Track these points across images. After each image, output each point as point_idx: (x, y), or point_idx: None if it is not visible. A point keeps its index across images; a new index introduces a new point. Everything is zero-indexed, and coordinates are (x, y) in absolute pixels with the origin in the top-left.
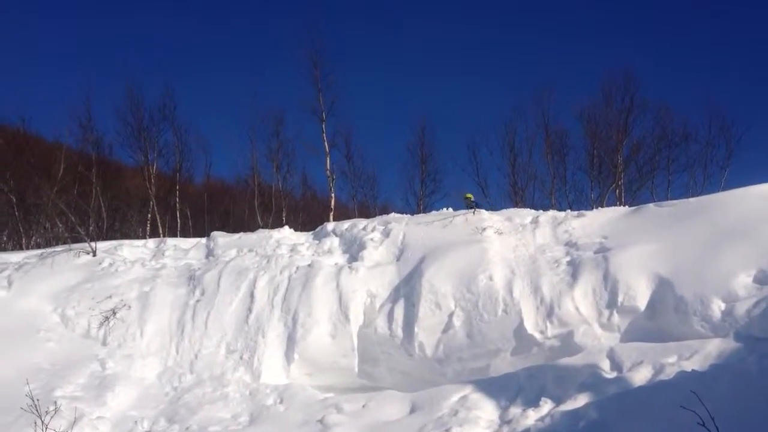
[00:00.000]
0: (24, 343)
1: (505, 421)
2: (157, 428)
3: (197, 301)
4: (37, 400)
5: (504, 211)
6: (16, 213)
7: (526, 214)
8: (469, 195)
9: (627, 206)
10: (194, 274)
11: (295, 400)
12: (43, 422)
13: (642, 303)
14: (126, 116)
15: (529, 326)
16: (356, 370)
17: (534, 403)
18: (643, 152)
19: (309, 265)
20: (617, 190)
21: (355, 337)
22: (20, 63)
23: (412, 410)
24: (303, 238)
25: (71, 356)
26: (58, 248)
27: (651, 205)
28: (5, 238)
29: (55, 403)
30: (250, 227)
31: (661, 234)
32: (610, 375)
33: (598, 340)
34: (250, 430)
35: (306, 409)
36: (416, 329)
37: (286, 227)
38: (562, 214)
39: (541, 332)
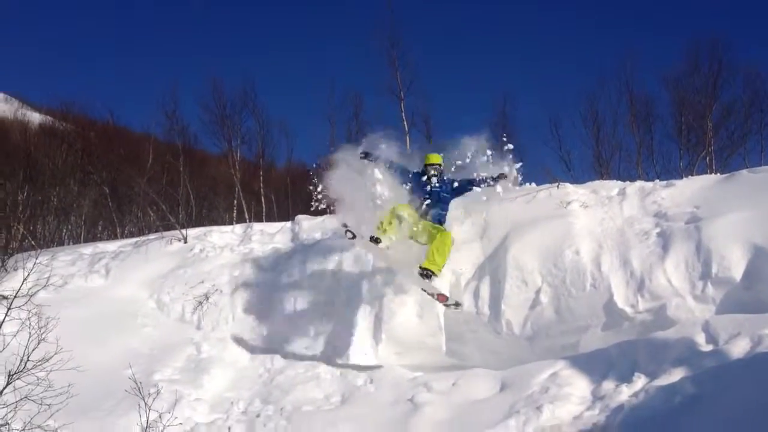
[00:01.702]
0: (123, 330)
1: (597, 397)
2: (253, 409)
3: (285, 284)
4: (140, 382)
5: (589, 183)
6: (110, 204)
7: (612, 186)
8: (433, 157)
9: (718, 174)
10: (281, 258)
11: (384, 380)
12: (146, 404)
13: (737, 273)
14: (209, 105)
15: (620, 301)
16: (444, 348)
17: (627, 378)
18: (734, 117)
19: None
20: (707, 158)
21: (442, 316)
22: (106, 57)
23: (502, 388)
24: None
25: (168, 341)
26: (151, 236)
27: (744, 171)
28: (100, 229)
29: (156, 386)
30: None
31: (755, 201)
32: (706, 348)
33: (691, 312)
34: (343, 409)
35: (396, 389)
36: (503, 307)
37: None
38: (650, 184)
39: (632, 306)
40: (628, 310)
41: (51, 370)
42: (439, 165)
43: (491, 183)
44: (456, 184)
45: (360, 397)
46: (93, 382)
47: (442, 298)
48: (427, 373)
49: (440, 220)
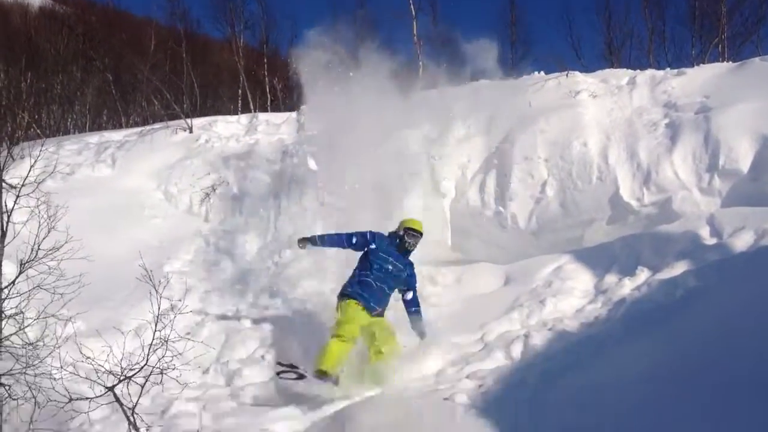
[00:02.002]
0: (132, 221)
1: (600, 290)
2: (261, 302)
3: (291, 176)
4: (151, 270)
5: (599, 72)
6: (114, 92)
7: (622, 75)
8: (416, 224)
9: (730, 62)
10: (287, 149)
11: None
12: (157, 292)
13: (744, 165)
14: None
15: (625, 194)
16: (449, 243)
17: (630, 272)
18: (749, 2)
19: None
20: (720, 46)
21: (448, 210)
22: None
23: (507, 282)
24: None
25: (176, 233)
26: (156, 126)
27: (756, 59)
28: (105, 118)
29: (166, 277)
30: None
31: (766, 90)
32: (710, 242)
33: (697, 206)
34: None
35: None
36: (508, 201)
37: None
38: (660, 73)
39: (638, 200)
40: (634, 203)
41: (62, 259)
42: (420, 235)
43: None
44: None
45: None
46: (104, 273)
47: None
48: (432, 266)
49: (384, 303)
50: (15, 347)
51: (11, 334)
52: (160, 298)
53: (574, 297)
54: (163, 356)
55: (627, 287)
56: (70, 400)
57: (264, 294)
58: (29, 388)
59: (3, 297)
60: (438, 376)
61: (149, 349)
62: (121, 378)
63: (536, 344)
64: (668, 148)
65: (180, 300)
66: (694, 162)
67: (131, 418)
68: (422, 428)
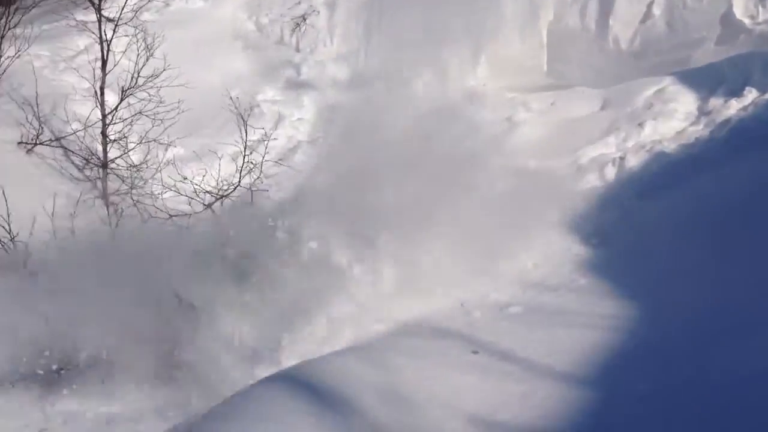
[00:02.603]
0: (225, 52)
1: (703, 112)
2: (350, 128)
3: (382, 6)
4: (241, 99)
5: None
6: None
7: None
8: None
9: None
10: None
11: (481, 101)
12: (245, 121)
13: None
14: None
15: (738, 11)
16: (545, 68)
17: (737, 93)
18: None
19: None
20: None
21: (545, 33)
22: None
23: (603, 106)
24: None
25: (268, 63)
26: None
27: None
28: None
29: (259, 106)
30: None
31: None
32: None
33: None
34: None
35: (493, 109)
36: (611, 21)
37: None
38: None
39: (751, 17)
40: (747, 21)
41: (161, 87)
42: None
43: None
44: None
45: (459, 118)
46: (200, 101)
47: None
48: (526, 93)
49: None
50: (120, 169)
51: (116, 158)
52: (247, 125)
53: (675, 119)
54: (256, 179)
55: (733, 108)
56: (170, 216)
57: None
58: (134, 206)
59: (107, 123)
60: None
61: (241, 170)
62: (217, 197)
63: (632, 166)
64: None
65: (272, 129)
66: None
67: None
68: None
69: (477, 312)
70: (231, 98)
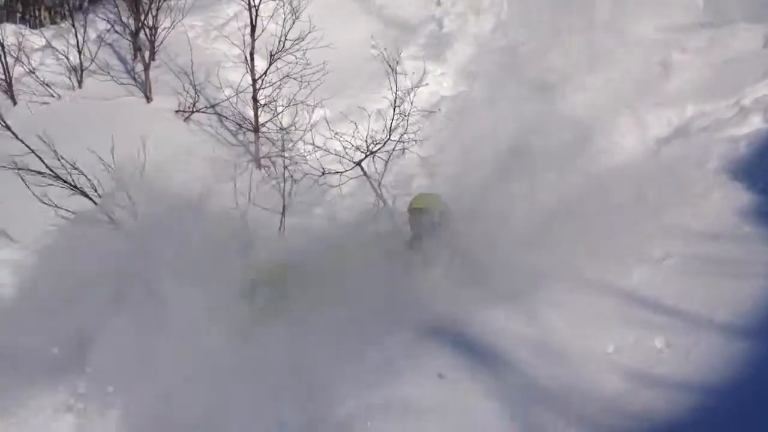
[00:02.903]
0: (366, 11)
1: None
2: (494, 82)
3: None
4: (386, 59)
5: None
6: None
7: None
8: None
9: None
10: None
11: (633, 43)
12: (394, 71)
13: None
14: None
15: None
16: (701, 4)
17: None
18: None
19: None
20: None
21: None
22: None
23: (766, 43)
24: None
25: (409, 19)
26: None
27: None
28: None
29: (401, 62)
30: None
31: None
32: None
33: None
34: (590, 76)
35: (646, 50)
36: None
37: None
38: None
39: None
40: None
41: (307, 49)
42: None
43: None
44: None
45: (607, 62)
46: (344, 60)
47: None
48: (681, 32)
49: None
50: (270, 133)
51: (267, 121)
52: (396, 74)
53: None
54: (404, 133)
55: None
56: (324, 173)
57: (499, 72)
58: (285, 167)
59: (257, 88)
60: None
61: (391, 124)
62: (367, 153)
63: None
64: None
65: (415, 85)
66: None
67: (378, 191)
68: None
69: (633, 265)
70: (379, 51)
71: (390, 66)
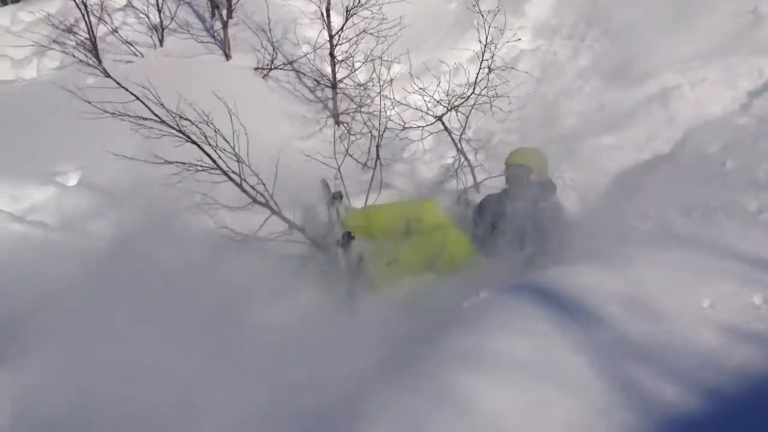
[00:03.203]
0: None
1: None
2: (577, 33)
3: None
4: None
5: None
6: None
7: None
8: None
9: None
10: None
11: None
12: (484, 18)
13: None
14: None
15: None
16: None
17: None
18: None
19: None
20: None
21: None
22: None
23: None
24: None
25: None
26: None
27: None
28: None
29: (481, 13)
30: None
31: None
32: None
33: None
34: (676, 24)
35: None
36: None
37: None
38: None
39: None
40: None
41: (382, 4)
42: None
43: None
44: None
45: (695, 12)
46: (421, 15)
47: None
48: None
49: None
50: (348, 89)
51: (344, 77)
52: (488, 29)
53: None
54: (485, 87)
55: None
56: (404, 128)
57: (580, 24)
58: (364, 123)
59: (334, 44)
60: None
61: (476, 77)
62: (449, 108)
63: None
64: None
65: (493, 39)
66: None
67: (459, 145)
68: None
69: (726, 220)
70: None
71: (481, 14)
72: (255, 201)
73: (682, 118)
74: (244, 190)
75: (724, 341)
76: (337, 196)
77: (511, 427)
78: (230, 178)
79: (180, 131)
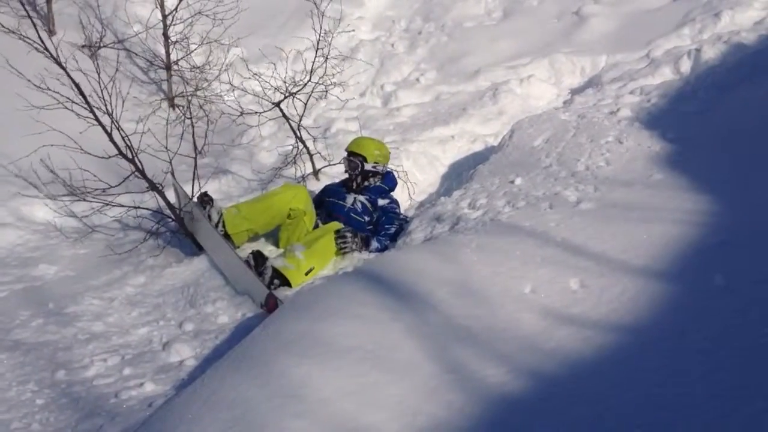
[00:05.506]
0: None
1: None
2: (414, 26)
3: None
4: None
5: None
6: None
7: None
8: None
9: None
10: None
11: None
12: (319, 8)
13: None
14: None
15: None
16: None
17: None
18: None
19: None
20: None
21: None
22: None
23: None
24: None
25: None
26: None
27: None
28: None
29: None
30: None
31: None
32: None
33: None
34: (505, 23)
35: (560, 2)
36: None
37: None
38: None
39: None
40: None
41: None
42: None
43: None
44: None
45: (523, 11)
46: (259, 1)
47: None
48: None
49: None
50: (184, 71)
51: (179, 59)
52: (321, 17)
53: (753, 9)
54: (323, 75)
55: None
56: (242, 113)
57: (417, 18)
58: (200, 107)
59: (167, 24)
60: (600, 92)
61: (312, 65)
62: (286, 94)
63: (708, 58)
64: None
65: (332, 28)
66: None
67: (297, 132)
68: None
69: (548, 209)
70: None
71: (314, 2)
72: (121, 154)
73: (510, 112)
74: (112, 141)
75: (543, 324)
76: (208, 200)
77: (343, 411)
78: (100, 124)
79: None
